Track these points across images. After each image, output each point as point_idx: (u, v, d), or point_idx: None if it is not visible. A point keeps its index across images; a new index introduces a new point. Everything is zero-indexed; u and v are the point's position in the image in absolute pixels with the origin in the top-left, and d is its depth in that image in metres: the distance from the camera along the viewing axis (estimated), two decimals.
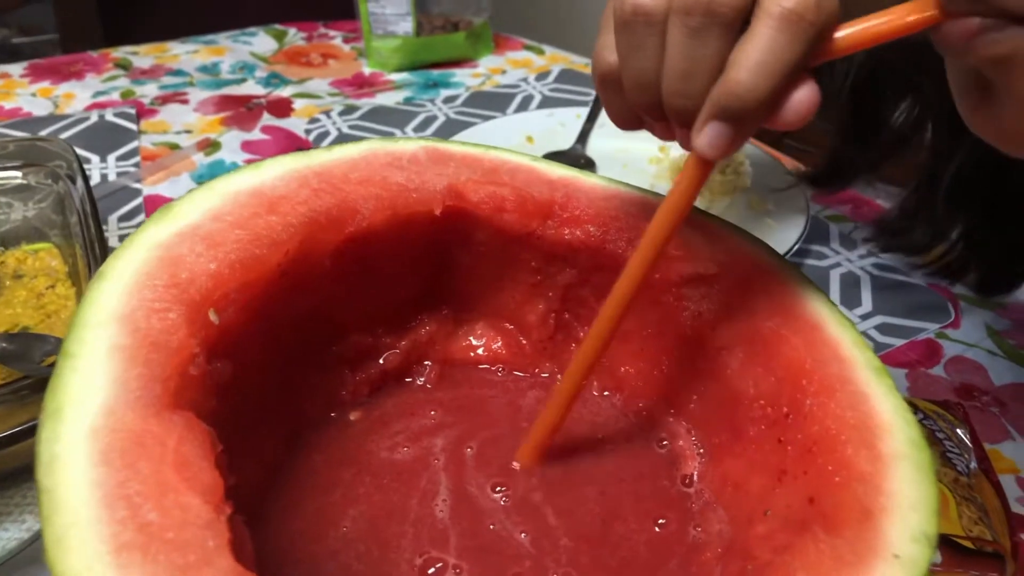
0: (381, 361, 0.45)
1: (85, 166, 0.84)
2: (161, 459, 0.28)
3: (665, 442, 0.43)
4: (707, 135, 0.31)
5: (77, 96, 0.99)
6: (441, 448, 0.42)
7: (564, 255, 0.44)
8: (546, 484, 0.41)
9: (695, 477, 0.41)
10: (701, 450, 0.41)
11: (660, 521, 0.39)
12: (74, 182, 0.63)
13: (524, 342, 0.47)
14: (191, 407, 0.31)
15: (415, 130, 0.94)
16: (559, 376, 0.47)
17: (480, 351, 0.47)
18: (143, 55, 1.12)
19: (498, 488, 0.40)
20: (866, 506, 0.30)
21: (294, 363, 0.41)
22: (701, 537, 0.38)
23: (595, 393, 0.46)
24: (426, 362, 0.46)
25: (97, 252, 0.55)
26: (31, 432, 0.43)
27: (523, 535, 0.38)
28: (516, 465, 0.41)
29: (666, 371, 0.43)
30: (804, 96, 0.30)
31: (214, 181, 0.39)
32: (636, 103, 0.35)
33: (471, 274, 0.45)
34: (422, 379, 0.46)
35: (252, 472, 0.39)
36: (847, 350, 0.36)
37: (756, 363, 0.38)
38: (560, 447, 0.42)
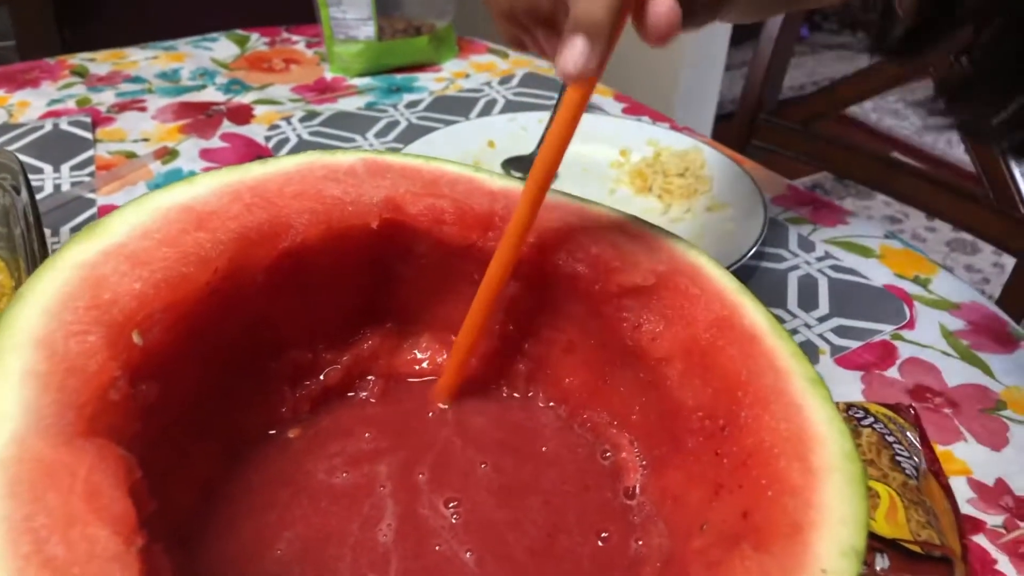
0: (322, 377, 0.44)
1: (38, 176, 0.82)
2: (70, 490, 0.27)
3: (608, 454, 0.43)
4: (568, 53, 0.34)
5: (32, 104, 0.97)
6: (387, 475, 0.41)
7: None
8: (497, 491, 0.40)
9: (637, 489, 0.40)
10: (644, 462, 0.41)
11: (603, 534, 0.39)
12: (18, 193, 0.62)
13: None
14: (109, 433, 0.30)
15: (376, 136, 0.93)
16: (505, 388, 0.46)
17: (426, 364, 0.47)
18: (100, 62, 1.10)
19: (451, 503, 0.40)
20: (796, 520, 0.30)
21: (231, 380, 0.41)
22: (642, 551, 0.38)
23: (540, 404, 0.45)
24: (369, 377, 0.46)
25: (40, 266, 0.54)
26: None
27: (468, 554, 0.38)
28: (441, 405, 0.45)
29: (609, 382, 0.43)
30: (662, 9, 0.33)
31: (144, 197, 0.38)
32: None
33: (413, 287, 0.45)
34: (364, 393, 0.45)
35: (185, 493, 0.38)
36: (783, 361, 0.36)
37: (694, 375, 0.38)
38: (508, 457, 0.42)
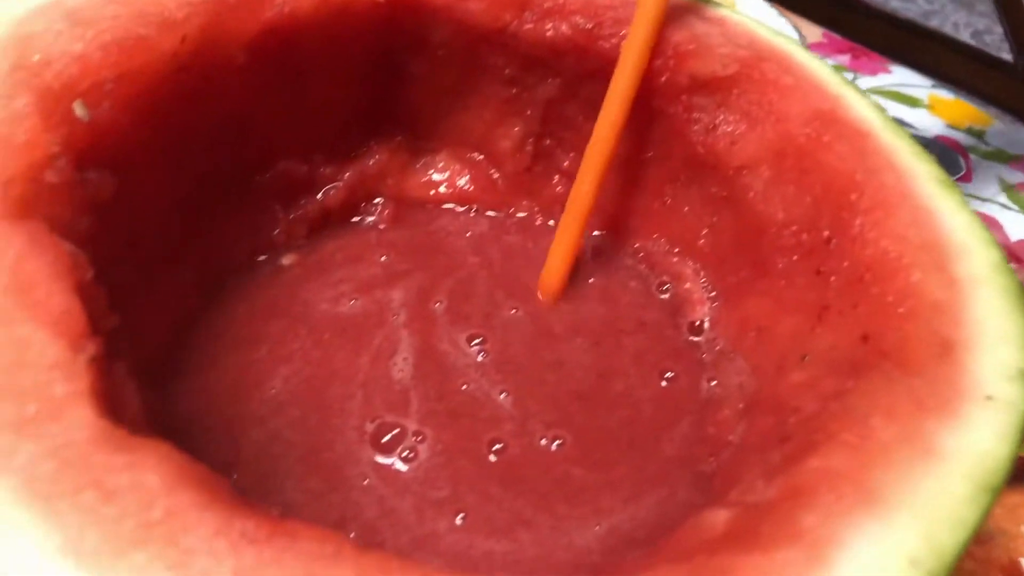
0: (320, 196, 0.36)
1: None
2: None
3: (667, 286, 0.36)
4: None
5: None
6: (401, 303, 0.34)
7: (546, 59, 0.35)
8: (530, 336, 0.33)
9: (705, 324, 0.34)
10: (712, 293, 0.34)
11: (667, 374, 0.32)
12: None
13: (496, 175, 0.39)
14: (47, 221, 0.23)
15: None
16: (539, 215, 0.39)
17: (443, 188, 0.39)
18: None
19: (475, 340, 0.33)
20: (944, 338, 0.24)
21: (209, 192, 0.33)
22: (717, 392, 0.31)
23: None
24: (377, 199, 0.38)
25: None
26: None
27: (503, 395, 0.31)
28: (542, 298, 0.35)
29: (670, 203, 0.36)
30: None
31: None
32: None
33: (428, 88, 0.37)
34: (372, 219, 0.38)
35: (154, 326, 0.31)
36: (904, 159, 0.29)
37: (787, 181, 0.31)
38: (545, 296, 0.35)
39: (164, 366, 0.30)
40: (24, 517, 0.16)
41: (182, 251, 0.32)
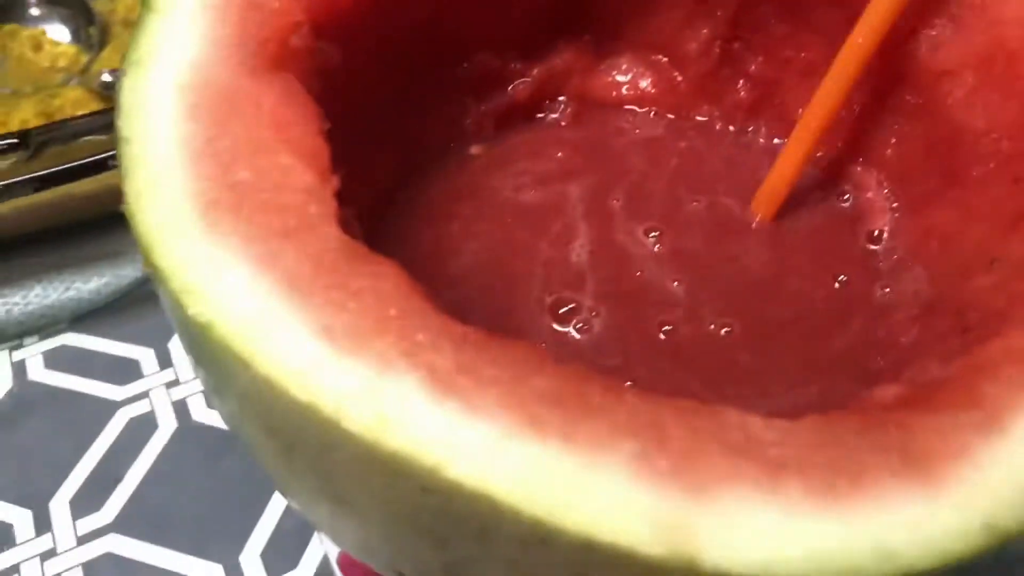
0: (509, 90, 0.38)
1: None
2: (256, 119, 0.23)
3: (848, 196, 0.35)
4: None
5: None
6: (578, 197, 0.36)
7: None
8: (707, 232, 0.34)
9: (885, 234, 0.33)
10: (895, 204, 0.34)
11: (841, 278, 0.33)
12: None
13: (679, 78, 0.39)
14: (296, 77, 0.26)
15: None
16: (719, 121, 0.39)
17: (625, 90, 0.40)
18: None
19: (652, 233, 0.34)
20: None
21: (412, 79, 0.36)
22: (890, 297, 0.31)
23: (762, 141, 0.38)
24: (560, 97, 0.40)
25: None
26: None
27: (676, 284, 0.32)
28: (755, 217, 0.35)
29: (858, 109, 0.35)
30: None
31: None
32: None
33: None
34: (555, 116, 0.39)
35: (363, 195, 0.34)
36: None
37: (992, 88, 0.30)
38: (719, 195, 0.36)
39: (374, 228, 0.34)
40: (289, 306, 0.19)
41: (388, 133, 0.35)
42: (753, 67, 0.38)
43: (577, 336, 0.31)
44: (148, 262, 0.20)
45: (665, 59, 0.39)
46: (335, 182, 0.22)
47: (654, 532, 0.17)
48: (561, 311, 0.31)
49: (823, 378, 0.29)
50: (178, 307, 0.19)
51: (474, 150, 0.38)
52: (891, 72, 0.33)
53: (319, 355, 0.18)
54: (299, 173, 0.22)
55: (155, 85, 0.23)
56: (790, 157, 0.33)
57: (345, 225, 0.23)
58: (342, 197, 0.25)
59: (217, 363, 0.20)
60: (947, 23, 0.31)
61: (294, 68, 0.27)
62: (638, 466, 0.17)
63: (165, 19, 0.25)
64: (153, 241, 0.20)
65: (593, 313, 0.31)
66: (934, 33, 0.32)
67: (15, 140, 0.42)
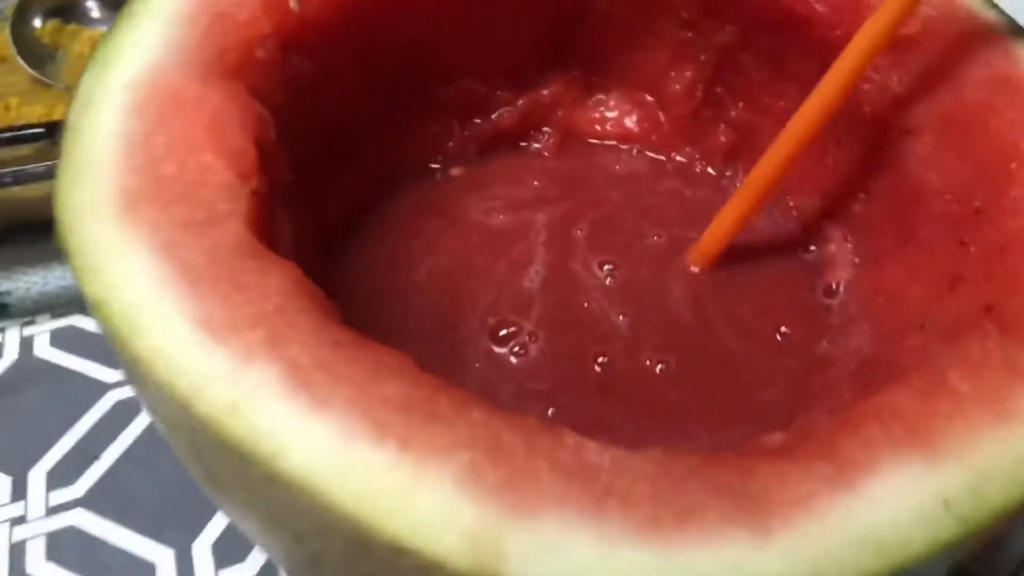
0: (494, 117, 0.40)
1: None
2: (195, 120, 0.25)
3: (813, 247, 0.35)
4: None
5: None
6: (544, 224, 0.37)
7: (725, 6, 0.35)
8: (661, 271, 0.35)
9: (841, 287, 0.33)
10: (856, 259, 0.33)
11: (783, 330, 0.32)
12: None
13: (663, 117, 0.40)
14: (250, 86, 0.28)
15: None
16: (699, 163, 0.39)
17: (610, 126, 0.41)
18: None
19: (607, 265, 0.35)
20: None
21: (396, 98, 0.37)
22: (831, 352, 0.31)
23: (738, 183, 0.38)
24: (545, 128, 0.40)
25: None
26: None
27: (620, 317, 0.33)
28: (693, 269, 0.35)
29: (831, 163, 0.35)
30: None
31: None
32: None
33: (608, 25, 0.38)
34: (538, 145, 0.40)
35: (337, 201, 0.35)
36: None
37: (949, 148, 0.29)
38: (685, 234, 0.36)
39: (339, 237, 0.35)
40: (176, 293, 0.20)
41: (367, 146, 0.37)
42: (734, 112, 0.38)
43: (512, 359, 0.31)
44: (60, 239, 0.22)
45: (651, 98, 0.40)
46: (255, 183, 0.24)
47: (465, 545, 0.17)
48: (501, 333, 0.32)
49: (747, 425, 0.29)
50: (80, 284, 0.21)
51: (454, 172, 0.39)
52: (861, 125, 0.33)
53: (189, 340, 0.19)
54: (219, 171, 0.23)
55: (111, 82, 0.25)
56: (732, 210, 0.33)
57: (265, 224, 0.24)
58: (283, 197, 0.27)
59: (110, 340, 0.21)
60: (915, 82, 0.31)
61: (254, 78, 0.28)
62: (466, 478, 0.18)
63: (137, 23, 0.27)
64: (68, 220, 0.22)
65: (531, 338, 0.32)
66: (902, 91, 0.31)
67: (42, 130, 0.45)
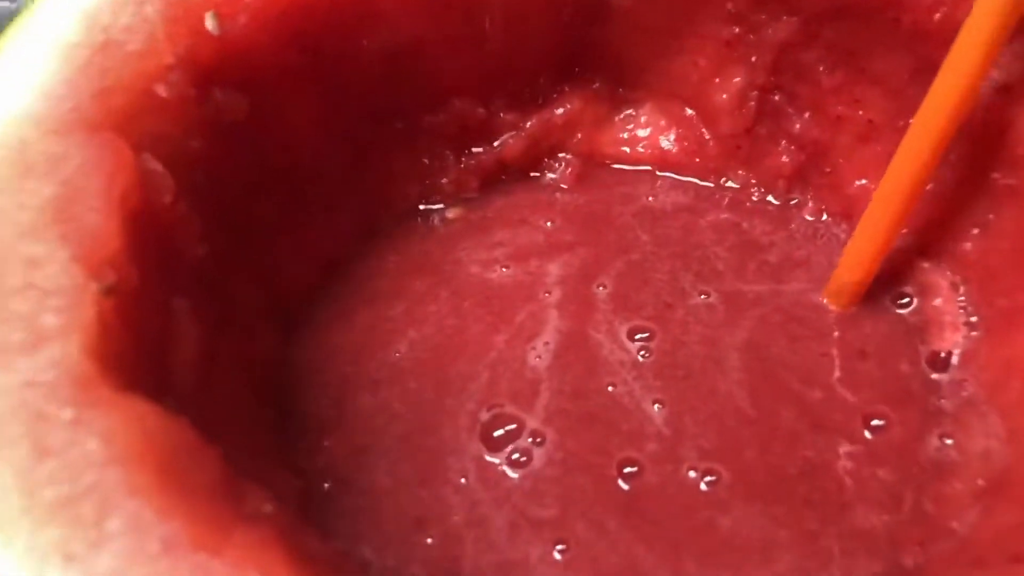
0: (497, 144, 0.32)
1: None
2: (35, 192, 0.18)
3: (910, 299, 0.27)
4: None
5: None
6: (557, 279, 0.29)
7: None
8: (709, 340, 0.27)
9: (954, 358, 0.25)
10: (973, 318, 0.25)
11: (874, 422, 0.24)
12: None
13: (707, 136, 0.32)
14: (142, 137, 0.21)
15: None
16: (756, 189, 0.31)
17: (642, 147, 0.33)
18: None
19: (640, 334, 0.27)
20: None
21: (375, 129, 0.30)
22: (947, 455, 0.23)
23: (808, 217, 0.30)
24: (562, 155, 0.33)
25: None
26: None
27: (656, 406, 0.25)
28: (827, 303, 0.27)
29: (932, 188, 0.26)
30: None
31: None
32: None
33: (634, 25, 0.31)
34: (553, 176, 0.33)
35: (303, 262, 0.29)
36: None
37: None
38: (740, 288, 0.28)
39: (302, 309, 0.28)
40: None
41: (342, 192, 0.30)
42: (798, 125, 0.30)
43: (510, 471, 0.24)
44: None
45: (692, 111, 0.32)
46: (112, 276, 0.17)
47: None
48: (497, 433, 0.25)
49: (832, 571, 0.21)
50: None
51: (451, 214, 0.32)
52: (976, 139, 0.25)
53: None
54: (56, 267, 0.17)
55: None
56: (863, 246, 0.25)
57: (133, 331, 0.17)
58: (182, 284, 0.20)
59: None
60: None
61: (153, 123, 0.22)
62: None
63: (10, 54, 0.21)
64: None
65: (536, 439, 0.24)
66: None
67: None
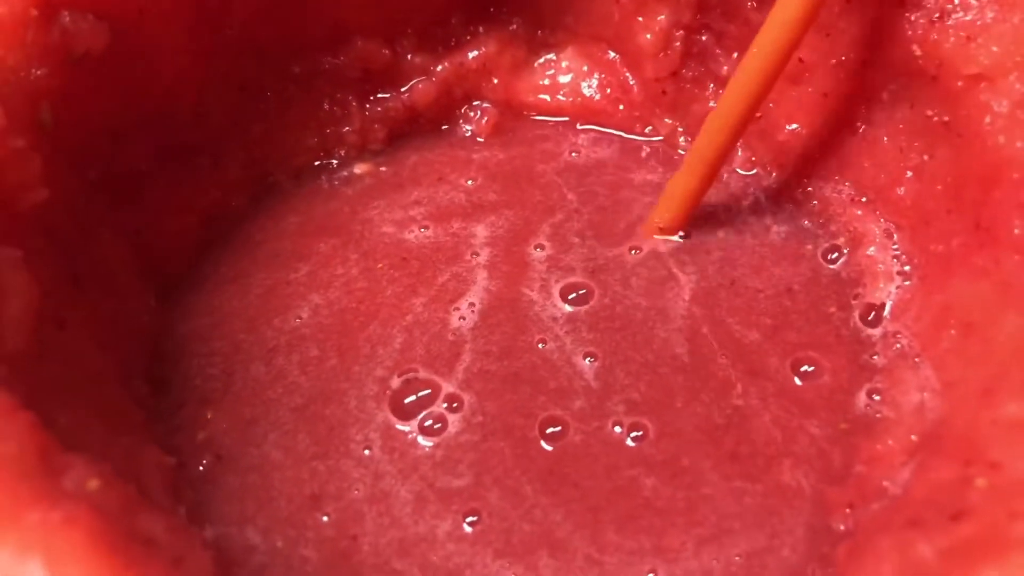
0: (405, 90, 0.30)
1: None
2: None
3: (840, 252, 0.25)
4: None
5: None
6: (485, 240, 0.27)
7: None
8: (641, 293, 0.25)
9: (887, 311, 0.23)
10: (907, 267, 0.24)
11: (805, 368, 0.23)
12: None
13: (632, 81, 0.30)
14: None
15: None
16: (684, 137, 0.30)
17: (562, 95, 0.31)
18: None
19: (573, 292, 0.25)
20: None
21: (265, 72, 0.28)
22: (878, 410, 0.21)
23: (739, 170, 0.28)
24: (477, 103, 0.31)
25: None
26: None
27: (587, 359, 0.23)
28: (641, 240, 0.27)
29: (863, 130, 0.25)
30: None
31: None
32: None
33: None
34: (469, 127, 0.31)
35: (182, 223, 0.26)
36: None
37: None
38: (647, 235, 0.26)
39: (185, 272, 0.26)
40: None
41: (228, 140, 0.27)
42: (726, 67, 0.28)
43: (421, 439, 0.22)
44: None
45: (615, 55, 0.30)
46: None
47: None
48: (407, 400, 0.23)
49: (755, 532, 0.20)
50: None
51: (359, 169, 0.29)
52: (909, 74, 0.23)
53: None
54: None
55: None
56: (691, 169, 0.25)
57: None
58: (122, 228, 0.18)
59: None
60: (987, 3, 0.21)
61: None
62: None
63: None
64: None
65: (452, 404, 0.23)
66: (968, 18, 0.21)
67: None
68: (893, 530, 0.17)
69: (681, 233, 0.26)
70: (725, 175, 0.28)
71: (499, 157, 0.30)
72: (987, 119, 0.21)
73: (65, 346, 0.18)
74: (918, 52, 0.23)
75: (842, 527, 0.19)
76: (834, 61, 0.25)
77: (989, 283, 0.20)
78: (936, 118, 0.23)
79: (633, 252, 0.26)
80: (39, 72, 0.20)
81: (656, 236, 0.26)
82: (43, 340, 0.17)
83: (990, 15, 0.21)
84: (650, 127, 0.30)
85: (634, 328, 0.24)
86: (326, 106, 0.29)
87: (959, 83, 0.22)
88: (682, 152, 0.29)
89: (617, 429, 0.22)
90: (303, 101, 0.28)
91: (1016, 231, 0.20)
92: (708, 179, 0.25)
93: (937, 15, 0.22)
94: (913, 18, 0.23)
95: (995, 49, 0.21)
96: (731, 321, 0.24)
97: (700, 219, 0.27)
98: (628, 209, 0.28)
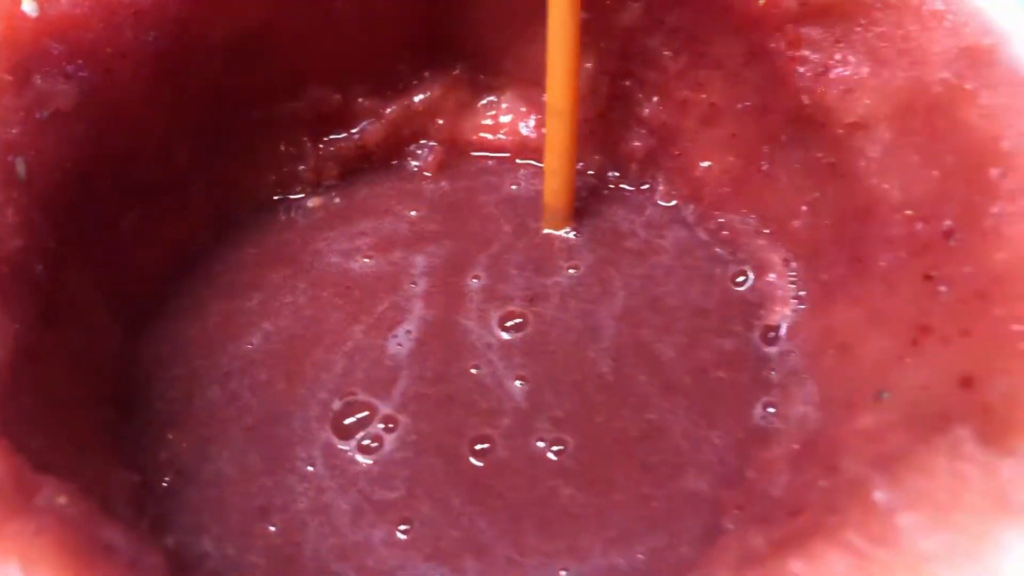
0: (355, 132, 0.32)
1: None
2: None
3: (746, 277, 0.28)
4: None
5: None
6: (423, 270, 0.29)
7: None
8: (574, 316, 0.27)
9: (783, 331, 0.26)
10: (800, 292, 0.26)
11: (713, 381, 0.25)
12: None
13: None
14: None
15: None
16: (612, 175, 0.32)
17: (504, 133, 0.33)
18: None
19: (509, 321, 0.27)
20: None
21: (227, 117, 0.30)
22: (771, 422, 0.24)
23: (660, 201, 0.31)
24: (424, 141, 0.33)
25: None
26: None
27: (518, 383, 0.26)
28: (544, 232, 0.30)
29: (766, 168, 0.28)
30: None
31: None
32: None
33: (492, 11, 0.31)
34: (416, 164, 0.33)
35: (151, 257, 0.28)
36: None
37: (909, 147, 0.22)
38: (602, 271, 0.29)
39: (151, 303, 0.28)
40: None
41: (192, 180, 0.29)
42: (647, 110, 0.30)
43: (359, 457, 0.24)
44: None
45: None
46: None
47: None
48: (347, 421, 0.25)
49: (657, 532, 0.22)
50: None
51: (312, 203, 0.32)
52: (801, 121, 0.26)
53: None
54: None
55: None
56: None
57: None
58: (94, 262, 0.20)
59: None
60: (863, 60, 0.24)
61: None
62: None
63: None
64: None
65: (389, 425, 0.25)
66: (847, 72, 0.24)
67: None
68: (753, 525, 0.20)
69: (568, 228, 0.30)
70: (649, 208, 0.31)
71: (444, 190, 0.32)
72: (863, 163, 0.24)
73: (38, 377, 0.20)
74: (807, 101, 0.25)
75: (730, 526, 0.21)
76: (740, 106, 0.28)
77: (861, 309, 0.23)
78: (824, 160, 0.25)
79: (572, 272, 0.29)
80: (14, 131, 0.22)
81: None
82: (17, 373, 0.19)
83: (865, 71, 0.24)
84: (581, 163, 0.32)
85: (566, 350, 0.27)
86: (283, 147, 0.31)
87: (840, 130, 0.24)
88: (611, 187, 0.32)
89: (540, 444, 0.24)
90: (262, 143, 0.31)
91: (882, 263, 0.22)
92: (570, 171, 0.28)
93: (821, 70, 0.25)
94: (802, 71, 0.25)
95: (868, 102, 0.23)
96: (652, 339, 0.27)
97: (630, 243, 0.30)
98: (562, 240, 0.30)
